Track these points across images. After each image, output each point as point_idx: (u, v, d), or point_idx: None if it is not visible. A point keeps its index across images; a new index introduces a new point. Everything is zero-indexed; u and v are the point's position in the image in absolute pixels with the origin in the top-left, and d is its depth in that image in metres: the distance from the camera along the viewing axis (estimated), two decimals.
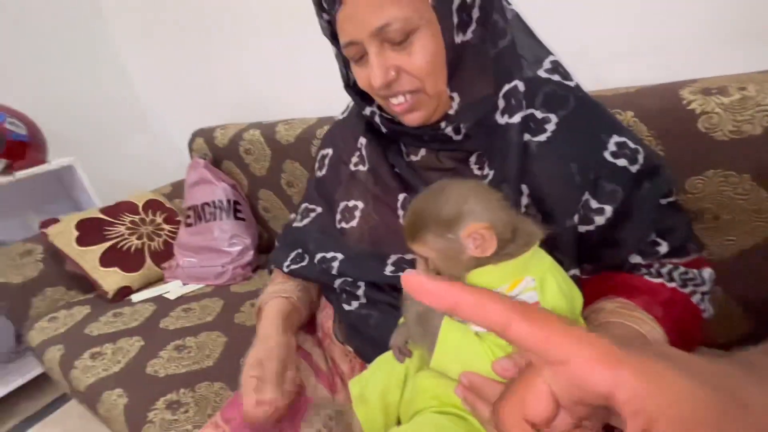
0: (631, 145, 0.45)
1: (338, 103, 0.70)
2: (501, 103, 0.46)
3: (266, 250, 1.18)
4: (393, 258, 0.52)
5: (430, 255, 0.35)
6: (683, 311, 0.46)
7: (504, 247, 0.34)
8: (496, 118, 0.46)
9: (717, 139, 0.57)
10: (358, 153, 0.58)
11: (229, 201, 1.22)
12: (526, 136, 0.45)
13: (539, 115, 0.46)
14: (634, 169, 0.44)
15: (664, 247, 0.47)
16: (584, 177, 0.44)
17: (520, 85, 0.45)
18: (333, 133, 0.64)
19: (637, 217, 0.45)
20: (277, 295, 0.60)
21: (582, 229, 0.45)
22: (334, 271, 0.55)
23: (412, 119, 0.48)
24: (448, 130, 0.48)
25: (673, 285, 0.46)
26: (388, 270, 0.52)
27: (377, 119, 0.53)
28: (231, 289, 1.14)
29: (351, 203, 0.57)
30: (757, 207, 0.58)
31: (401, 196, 0.53)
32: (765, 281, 0.61)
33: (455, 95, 0.46)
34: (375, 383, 0.44)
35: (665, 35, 0.73)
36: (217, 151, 1.29)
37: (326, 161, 0.63)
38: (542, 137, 0.45)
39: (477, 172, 0.50)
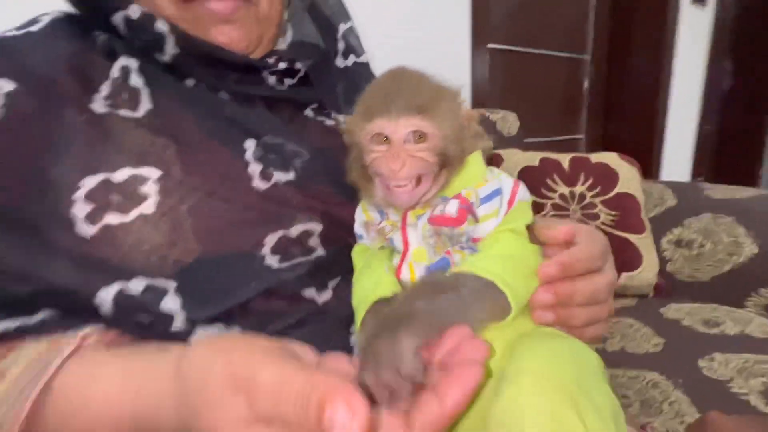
0: None
1: None
2: (341, 45, 0.43)
3: None
4: (270, 241, 0.32)
5: (439, 133, 0.30)
6: None
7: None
8: (337, 63, 0.43)
9: None
10: (108, 86, 0.33)
11: None
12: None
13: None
14: None
15: None
16: None
17: (354, 29, 0.44)
18: (5, 55, 0.32)
19: None
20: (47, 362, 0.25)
21: None
22: (172, 317, 0.28)
23: (227, 35, 0.35)
24: (281, 66, 0.38)
25: None
26: (274, 263, 0.32)
27: (161, 27, 0.33)
28: None
29: (123, 173, 0.30)
30: None
31: (249, 144, 0.34)
32: None
33: (290, 28, 0.40)
34: None
35: None
36: None
37: None
38: None
39: (328, 121, 0.41)
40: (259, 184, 0.34)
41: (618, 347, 0.68)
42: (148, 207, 0.30)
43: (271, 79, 0.39)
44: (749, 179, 2.46)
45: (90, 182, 0.30)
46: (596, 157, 0.98)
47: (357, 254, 0.36)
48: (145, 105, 0.33)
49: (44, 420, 0.23)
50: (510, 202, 0.32)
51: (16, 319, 0.26)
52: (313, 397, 0.17)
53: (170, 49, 0.34)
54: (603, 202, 0.92)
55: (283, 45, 0.42)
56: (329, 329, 0.33)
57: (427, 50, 1.11)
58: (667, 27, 1.73)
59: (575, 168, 0.96)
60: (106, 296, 0.27)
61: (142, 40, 0.34)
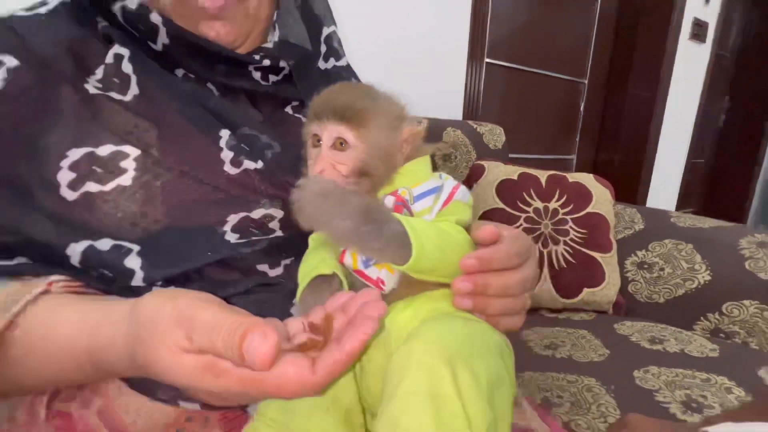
0: None
1: None
2: (323, 48, 0.46)
3: None
4: (233, 220, 0.36)
5: (361, 146, 0.32)
6: None
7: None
8: (319, 65, 0.45)
9: None
10: (102, 71, 0.37)
11: None
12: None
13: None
14: None
15: None
16: None
17: (336, 33, 0.46)
18: (12, 33, 0.35)
19: None
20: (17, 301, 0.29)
21: None
22: (133, 273, 0.32)
23: (215, 29, 0.39)
24: (266, 63, 0.41)
25: None
26: (233, 239, 0.36)
27: (154, 18, 0.37)
28: None
29: (106, 149, 0.34)
30: None
31: (224, 133, 0.37)
32: None
33: (277, 28, 0.43)
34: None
35: None
36: None
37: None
38: None
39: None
40: (229, 169, 0.37)
41: (566, 354, 0.72)
42: (125, 180, 0.34)
43: (257, 74, 0.42)
44: (737, 213, 2.53)
45: (75, 154, 0.34)
46: (573, 177, 1.03)
47: (314, 239, 0.40)
48: (134, 90, 0.36)
49: (7, 351, 0.27)
50: (446, 201, 0.35)
51: None
52: (239, 331, 0.21)
53: (162, 39, 0.38)
54: (574, 220, 0.97)
55: (270, 43, 0.45)
56: (274, 299, 0.36)
57: (427, 58, 1.17)
58: (664, 60, 1.79)
59: (552, 185, 1.01)
60: (77, 248, 0.32)
61: (137, 29, 0.38)
